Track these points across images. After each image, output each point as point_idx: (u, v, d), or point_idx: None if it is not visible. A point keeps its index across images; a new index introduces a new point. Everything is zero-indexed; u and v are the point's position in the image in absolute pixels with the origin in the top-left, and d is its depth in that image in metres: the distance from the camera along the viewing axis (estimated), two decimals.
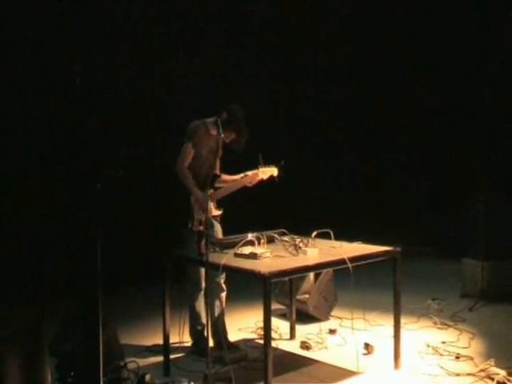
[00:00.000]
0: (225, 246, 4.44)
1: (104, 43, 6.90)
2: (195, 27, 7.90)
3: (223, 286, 4.96)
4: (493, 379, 4.08)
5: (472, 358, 4.61)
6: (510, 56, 7.83)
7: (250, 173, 4.90)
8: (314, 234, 4.51)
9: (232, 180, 5.02)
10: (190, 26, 7.81)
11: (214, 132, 4.90)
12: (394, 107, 9.18)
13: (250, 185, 4.92)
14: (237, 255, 4.26)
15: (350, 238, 4.65)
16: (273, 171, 4.85)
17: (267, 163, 4.82)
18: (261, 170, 4.83)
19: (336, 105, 9.22)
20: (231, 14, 8.16)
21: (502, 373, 4.10)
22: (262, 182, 4.90)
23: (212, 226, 4.92)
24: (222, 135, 4.81)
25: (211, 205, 4.84)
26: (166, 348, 4.58)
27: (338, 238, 4.55)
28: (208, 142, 4.91)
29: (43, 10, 6.44)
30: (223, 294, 4.97)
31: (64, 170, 6.13)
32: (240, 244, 4.32)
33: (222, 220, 5.04)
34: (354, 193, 9.31)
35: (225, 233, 5.00)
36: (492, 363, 4.28)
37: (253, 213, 7.18)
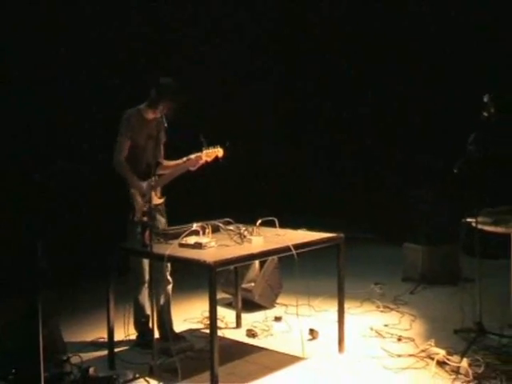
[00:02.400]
0: (169, 237, 4.39)
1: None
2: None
3: (169, 278, 4.89)
4: (433, 359, 4.20)
5: (413, 340, 4.74)
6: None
7: (193, 156, 4.74)
8: (259, 222, 4.52)
9: (175, 165, 4.85)
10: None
11: (150, 116, 4.74)
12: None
13: (193, 168, 4.75)
14: (181, 245, 4.23)
15: (295, 226, 4.69)
16: (217, 152, 4.69)
17: (211, 144, 4.67)
18: (205, 152, 4.67)
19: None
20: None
21: (442, 352, 4.22)
22: (206, 164, 4.73)
23: (154, 216, 4.79)
24: (157, 114, 4.60)
25: (153, 194, 4.73)
26: (110, 341, 4.51)
27: (282, 225, 4.59)
28: (144, 128, 4.73)
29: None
30: (169, 287, 4.91)
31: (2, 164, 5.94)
32: (185, 234, 4.29)
33: (167, 209, 4.94)
34: (297, 181, 9.38)
35: (170, 223, 4.91)
36: (432, 344, 4.40)
37: (197, 202, 7.15)
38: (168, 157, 4.97)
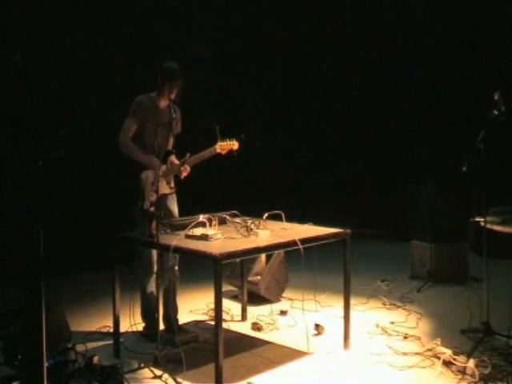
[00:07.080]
0: (176, 228, 4.38)
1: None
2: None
3: (176, 271, 4.88)
4: (439, 358, 4.17)
5: (419, 338, 4.71)
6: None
7: (208, 150, 4.57)
8: (266, 215, 4.49)
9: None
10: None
11: (162, 104, 4.72)
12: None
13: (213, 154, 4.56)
14: (188, 237, 4.22)
15: (302, 220, 4.67)
16: (232, 145, 4.53)
17: (225, 137, 4.49)
18: (219, 144, 4.52)
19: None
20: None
21: (448, 352, 4.18)
22: (219, 157, 4.56)
23: (165, 205, 4.78)
24: (170, 97, 4.54)
25: (163, 182, 4.71)
26: (115, 330, 4.52)
27: (289, 219, 4.57)
28: (156, 115, 4.70)
29: None
30: (176, 279, 4.90)
31: (3, 150, 5.94)
32: (191, 225, 4.27)
33: (178, 199, 4.90)
34: (305, 176, 9.36)
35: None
36: (438, 343, 4.37)
37: (204, 194, 7.14)
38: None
